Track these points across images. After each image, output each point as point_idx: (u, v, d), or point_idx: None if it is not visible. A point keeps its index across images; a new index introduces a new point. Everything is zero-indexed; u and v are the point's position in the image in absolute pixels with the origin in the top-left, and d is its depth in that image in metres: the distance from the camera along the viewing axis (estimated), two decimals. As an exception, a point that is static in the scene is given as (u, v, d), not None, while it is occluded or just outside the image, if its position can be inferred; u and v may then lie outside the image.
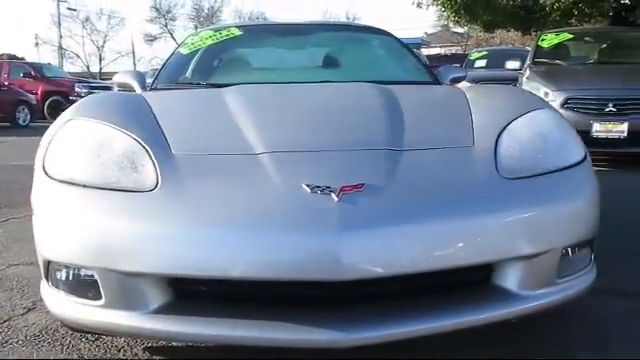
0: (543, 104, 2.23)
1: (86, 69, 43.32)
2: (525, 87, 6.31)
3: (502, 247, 1.61)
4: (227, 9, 71.16)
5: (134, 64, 44.49)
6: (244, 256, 1.48)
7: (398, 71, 3.23)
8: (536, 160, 1.83)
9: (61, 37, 41.39)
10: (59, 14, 40.87)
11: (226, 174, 1.70)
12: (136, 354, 1.88)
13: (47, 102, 16.07)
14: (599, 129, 5.79)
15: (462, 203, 1.61)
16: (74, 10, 42.61)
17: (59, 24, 40.99)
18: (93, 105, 2.09)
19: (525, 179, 1.73)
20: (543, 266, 1.67)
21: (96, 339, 1.97)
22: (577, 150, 1.92)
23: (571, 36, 7.82)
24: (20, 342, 1.98)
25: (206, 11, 47.02)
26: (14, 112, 13.50)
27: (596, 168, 1.97)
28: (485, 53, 12.29)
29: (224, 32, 3.35)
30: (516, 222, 1.62)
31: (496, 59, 10.99)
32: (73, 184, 1.67)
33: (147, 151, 1.74)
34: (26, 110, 13.90)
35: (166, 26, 46.03)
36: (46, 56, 50.63)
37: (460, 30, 36.57)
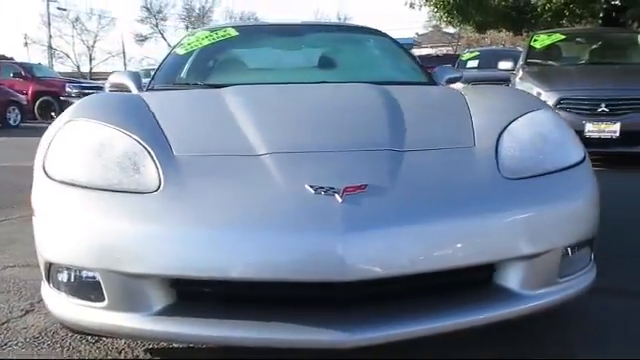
0: (541, 104, 2.24)
1: (76, 69, 43.10)
2: (518, 87, 6.34)
3: (505, 247, 1.61)
4: (218, 9, 71.23)
5: (124, 64, 44.35)
6: (248, 257, 1.48)
7: (395, 72, 3.24)
8: (537, 160, 1.84)
9: (51, 37, 41.11)
10: (49, 14, 40.62)
11: (229, 175, 1.69)
12: (137, 356, 1.88)
13: (37, 102, 15.99)
14: (592, 129, 5.84)
15: (465, 203, 1.62)
16: (64, 10, 42.44)
17: (49, 24, 40.74)
18: (92, 106, 2.08)
19: (526, 179, 1.74)
20: (544, 266, 1.68)
21: (96, 341, 1.96)
22: (577, 150, 1.93)
23: (563, 37, 7.88)
24: (20, 344, 1.97)
25: (197, 11, 46.96)
26: (4, 112, 13.41)
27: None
28: (477, 54, 12.35)
29: (220, 32, 3.34)
30: (518, 222, 1.63)
31: (488, 59, 11.03)
32: (74, 185, 1.66)
33: (149, 152, 1.74)
34: (16, 110, 13.81)
35: (157, 26, 45.90)
36: (35, 56, 50.43)
37: (451, 31, 36.75)
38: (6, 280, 2.64)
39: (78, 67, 44.11)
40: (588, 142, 5.63)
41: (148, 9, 45.23)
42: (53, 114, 15.67)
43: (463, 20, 14.06)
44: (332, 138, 1.91)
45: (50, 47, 40.86)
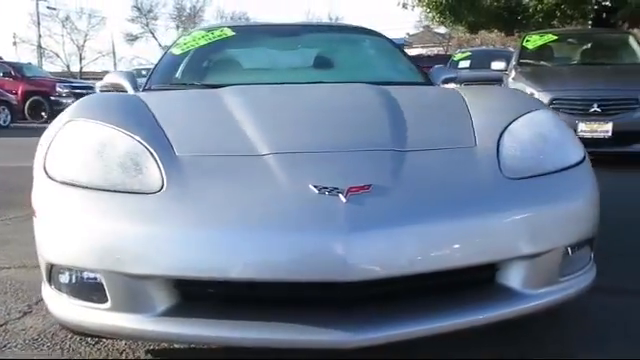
0: (540, 105, 2.26)
1: (66, 69, 42.82)
2: (511, 88, 6.37)
3: (507, 246, 1.62)
4: (209, 9, 70.82)
5: (115, 64, 44.15)
6: (252, 257, 1.48)
7: (392, 72, 3.24)
8: (537, 160, 1.85)
9: (40, 36, 40.86)
10: (38, 13, 40.36)
11: (232, 176, 1.69)
12: (138, 357, 1.87)
13: (28, 102, 15.87)
14: (584, 129, 5.88)
15: (468, 203, 1.62)
16: (54, 9, 42.16)
17: (38, 23, 40.48)
18: (92, 106, 2.06)
19: (528, 179, 1.75)
20: (546, 265, 1.69)
21: (96, 342, 1.95)
22: (577, 150, 1.95)
23: (555, 37, 7.93)
24: (19, 346, 1.95)
25: (188, 11, 46.82)
26: (-6, 112, 13.31)
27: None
28: (469, 54, 12.40)
29: (217, 32, 3.33)
30: (521, 221, 1.64)
31: (480, 60, 11.08)
32: (76, 186, 1.65)
33: (151, 153, 1.73)
34: (6, 110, 13.68)
35: (147, 25, 45.73)
36: (24, 55, 49.94)
37: (442, 31, 36.85)
38: (2, 282, 2.62)
39: (68, 67, 43.86)
40: (581, 142, 5.69)
41: (139, 8, 45.12)
42: (43, 114, 15.58)
43: (455, 20, 14.11)
44: (334, 138, 1.91)
45: (40, 46, 40.62)
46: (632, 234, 3.38)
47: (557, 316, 2.08)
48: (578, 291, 1.81)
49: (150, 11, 45.50)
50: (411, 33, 43.24)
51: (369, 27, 3.73)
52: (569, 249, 1.74)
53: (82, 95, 14.60)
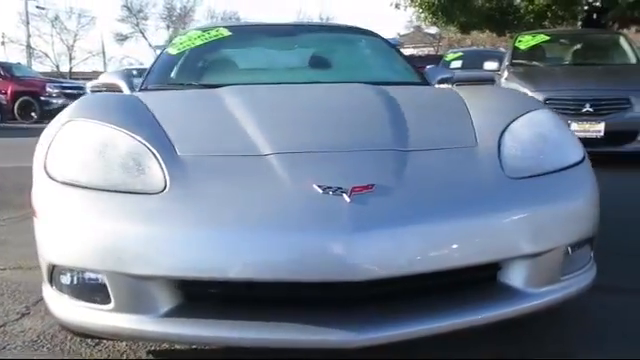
0: (539, 105, 2.28)
1: (55, 69, 42.49)
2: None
3: (511, 245, 1.63)
4: (200, 9, 70.69)
5: (104, 64, 43.89)
6: (256, 258, 1.48)
7: (389, 72, 3.24)
8: (538, 160, 1.86)
9: (29, 36, 40.54)
10: (27, 12, 40.03)
11: (235, 175, 1.69)
12: (139, 357, 1.86)
13: (17, 102, 15.71)
14: (577, 129, 5.91)
15: (471, 203, 1.63)
16: (43, 9, 41.78)
17: (27, 23, 40.14)
18: (91, 106, 2.06)
19: (530, 178, 1.76)
20: (548, 264, 1.70)
21: (97, 343, 1.94)
22: (577, 150, 1.96)
23: (547, 38, 7.97)
24: (18, 348, 1.94)
25: (178, 11, 46.60)
26: (-17, 113, 13.19)
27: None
28: (461, 54, 12.42)
29: (213, 32, 3.32)
30: (523, 221, 1.64)
31: (472, 60, 11.08)
32: (78, 186, 1.64)
33: (152, 153, 1.72)
34: (-4, 111, 13.59)
35: (137, 25, 45.48)
36: (13, 55, 49.66)
37: (432, 31, 36.96)
38: (-1, 283, 2.60)
39: (57, 67, 43.52)
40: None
41: (129, 8, 44.80)
42: (33, 114, 15.45)
43: (447, 21, 14.17)
44: (335, 138, 1.91)
45: (29, 46, 40.31)
46: (629, 234, 3.39)
47: (557, 315, 2.09)
48: (579, 290, 1.82)
49: (140, 11, 45.28)
50: (402, 33, 43.33)
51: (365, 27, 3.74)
52: (570, 248, 1.75)
53: (72, 95, 14.58)
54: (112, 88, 3.10)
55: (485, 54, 11.48)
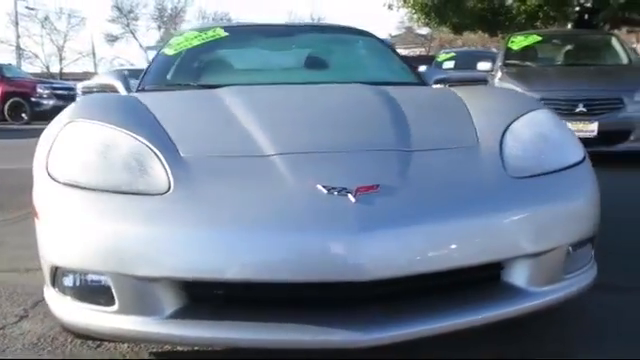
0: (539, 105, 2.29)
1: (46, 69, 42.20)
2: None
3: (514, 245, 1.64)
4: (191, 9, 70.15)
5: (95, 64, 43.62)
6: (262, 258, 1.48)
7: (387, 72, 3.24)
8: (539, 160, 1.87)
9: (19, 37, 40.22)
10: (16, 13, 39.71)
11: (239, 176, 1.68)
12: (142, 358, 1.85)
13: (8, 103, 15.59)
14: (571, 129, 5.94)
15: (475, 202, 1.64)
16: (32, 9, 41.48)
17: (17, 23, 39.82)
18: (92, 106, 2.05)
19: (532, 178, 1.77)
20: (550, 263, 1.71)
21: (98, 345, 1.92)
22: (577, 150, 1.97)
23: (540, 38, 8.01)
24: (18, 350, 1.92)
25: (169, 11, 46.41)
26: (-27, 114, 13.07)
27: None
28: (453, 55, 12.45)
29: (210, 33, 3.31)
30: (526, 220, 1.65)
31: (465, 60, 11.10)
32: (81, 187, 1.63)
33: (155, 153, 1.71)
34: (-14, 112, 13.47)
35: (128, 26, 45.24)
36: (2, 56, 49.13)
37: (424, 32, 37.03)
38: (-5, 285, 2.58)
39: (47, 67, 43.20)
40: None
41: (119, 9, 44.54)
42: (24, 115, 15.34)
43: (440, 22, 14.22)
44: (338, 139, 1.90)
45: (18, 47, 39.99)
46: (627, 234, 3.40)
47: (557, 314, 2.10)
48: (580, 289, 1.83)
49: (131, 11, 45.00)
50: (393, 34, 43.35)
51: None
52: (571, 248, 1.76)
53: (63, 96, 14.48)
54: (108, 89, 3.09)
55: (478, 54, 11.50)
